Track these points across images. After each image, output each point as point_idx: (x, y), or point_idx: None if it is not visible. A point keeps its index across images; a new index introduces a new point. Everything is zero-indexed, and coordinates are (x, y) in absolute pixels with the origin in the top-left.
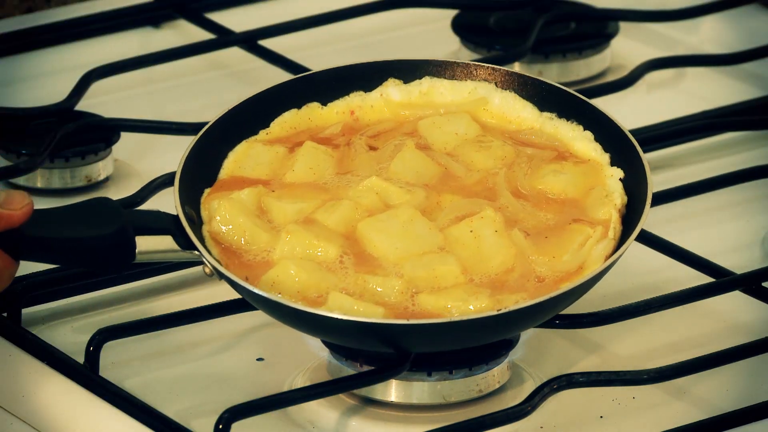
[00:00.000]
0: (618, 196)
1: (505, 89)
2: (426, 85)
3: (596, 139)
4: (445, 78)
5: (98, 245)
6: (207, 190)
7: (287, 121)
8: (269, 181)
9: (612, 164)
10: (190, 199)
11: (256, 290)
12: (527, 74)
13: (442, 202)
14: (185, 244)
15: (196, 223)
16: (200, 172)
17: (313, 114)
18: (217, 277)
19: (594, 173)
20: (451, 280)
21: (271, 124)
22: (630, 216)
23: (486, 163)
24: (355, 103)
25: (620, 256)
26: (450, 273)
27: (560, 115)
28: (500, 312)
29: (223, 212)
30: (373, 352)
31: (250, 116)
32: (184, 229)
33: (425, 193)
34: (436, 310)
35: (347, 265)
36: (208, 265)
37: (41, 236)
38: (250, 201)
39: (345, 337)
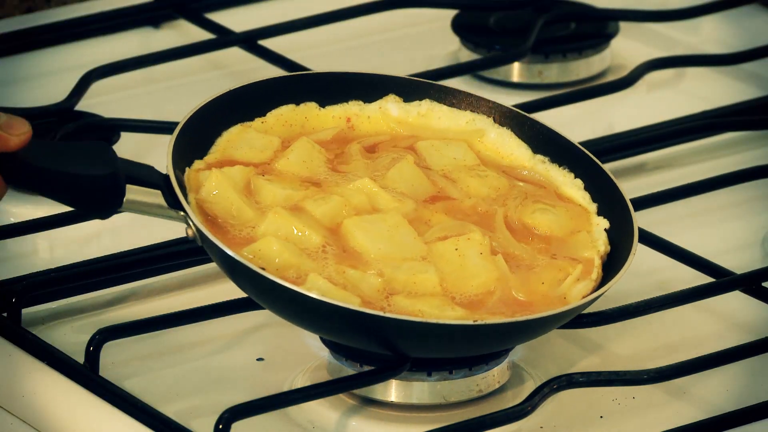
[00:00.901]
0: (602, 244)
1: (503, 126)
2: (425, 107)
3: (586, 188)
4: (445, 104)
5: (89, 185)
6: (197, 161)
7: (283, 115)
8: (259, 165)
9: (599, 214)
10: (182, 166)
11: (236, 256)
12: (527, 115)
13: (432, 221)
14: (172, 202)
15: (185, 188)
16: (194, 143)
17: (310, 113)
18: (198, 241)
19: (581, 218)
20: (429, 288)
21: (267, 114)
22: (612, 264)
23: (481, 190)
24: (353, 111)
25: (603, 293)
26: (428, 281)
27: (553, 160)
28: (476, 323)
29: (213, 182)
30: (374, 352)
31: (249, 101)
32: (173, 187)
33: (414, 205)
34: (411, 313)
35: (329, 255)
36: (192, 227)
37: (35, 165)
38: (240, 179)
39: (318, 321)
